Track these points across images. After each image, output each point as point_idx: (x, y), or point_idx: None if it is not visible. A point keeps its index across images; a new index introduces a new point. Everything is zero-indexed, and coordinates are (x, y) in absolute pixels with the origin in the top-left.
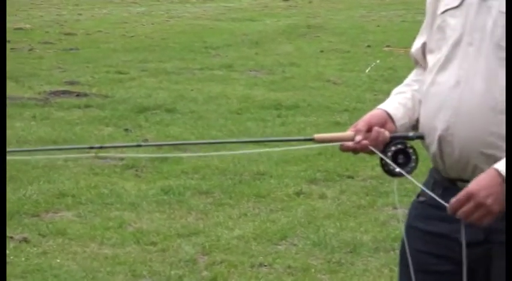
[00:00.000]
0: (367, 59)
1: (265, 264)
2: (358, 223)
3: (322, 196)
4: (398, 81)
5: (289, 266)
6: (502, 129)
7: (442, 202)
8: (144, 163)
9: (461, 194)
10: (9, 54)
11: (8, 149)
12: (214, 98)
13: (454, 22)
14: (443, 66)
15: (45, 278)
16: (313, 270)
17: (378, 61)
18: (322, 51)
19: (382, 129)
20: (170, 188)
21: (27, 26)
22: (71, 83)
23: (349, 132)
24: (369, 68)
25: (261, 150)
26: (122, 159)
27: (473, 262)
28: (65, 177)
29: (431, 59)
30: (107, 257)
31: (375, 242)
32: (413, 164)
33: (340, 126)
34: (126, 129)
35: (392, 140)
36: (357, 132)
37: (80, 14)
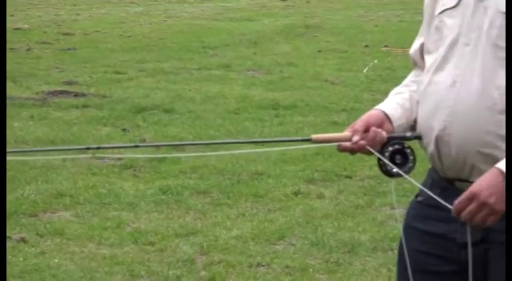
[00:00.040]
0: (365, 59)
1: (263, 264)
2: (356, 222)
3: (320, 196)
4: (396, 81)
5: (287, 266)
6: (499, 129)
7: (446, 204)
8: (142, 163)
9: (464, 195)
10: (7, 54)
11: (7, 150)
12: (212, 98)
13: (451, 22)
14: (440, 66)
15: (43, 278)
16: (311, 270)
17: (375, 61)
18: (320, 51)
19: (380, 130)
20: (168, 188)
21: (25, 26)
22: (69, 83)
23: (346, 133)
24: (367, 68)
25: (259, 150)
26: (119, 159)
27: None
28: (63, 177)
29: (428, 59)
30: (105, 257)
31: (373, 242)
32: (411, 165)
33: (338, 126)
34: (124, 129)
35: (390, 140)
36: (355, 132)
37: (78, 14)
